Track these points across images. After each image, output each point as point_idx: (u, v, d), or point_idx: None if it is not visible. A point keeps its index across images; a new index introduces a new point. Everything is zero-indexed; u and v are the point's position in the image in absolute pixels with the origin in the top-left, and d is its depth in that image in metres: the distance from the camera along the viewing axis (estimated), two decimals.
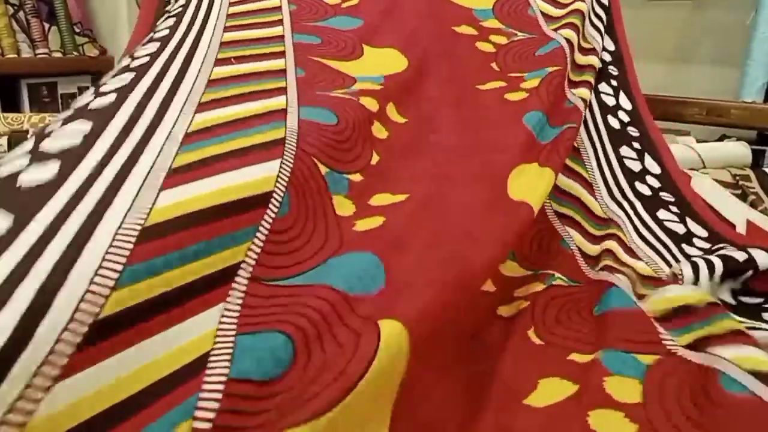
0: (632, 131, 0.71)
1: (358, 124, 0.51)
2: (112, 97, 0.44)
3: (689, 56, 1.34)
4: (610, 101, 0.74)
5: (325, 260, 0.39)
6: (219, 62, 0.54)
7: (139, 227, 0.32)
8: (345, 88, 0.56)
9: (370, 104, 0.54)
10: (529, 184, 0.52)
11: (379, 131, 0.54)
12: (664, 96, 0.99)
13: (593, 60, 0.74)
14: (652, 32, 1.31)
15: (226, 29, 0.62)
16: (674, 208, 0.63)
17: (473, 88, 0.66)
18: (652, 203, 0.63)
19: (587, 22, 0.79)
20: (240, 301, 0.35)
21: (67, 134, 0.39)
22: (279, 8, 0.70)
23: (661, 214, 0.62)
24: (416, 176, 0.51)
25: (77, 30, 1.79)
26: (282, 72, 0.55)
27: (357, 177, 0.48)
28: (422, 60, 0.66)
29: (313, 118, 0.47)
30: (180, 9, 0.65)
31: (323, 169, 0.45)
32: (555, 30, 0.75)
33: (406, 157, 0.53)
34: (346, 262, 0.39)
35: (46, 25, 1.73)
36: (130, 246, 0.31)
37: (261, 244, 0.37)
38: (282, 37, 0.62)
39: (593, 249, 0.57)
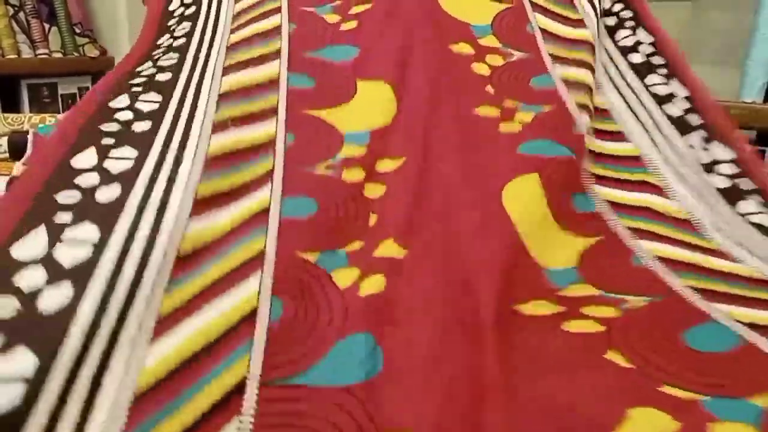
0: (693, 119, 0.68)
1: (344, 201, 0.52)
2: (117, 190, 0.46)
3: (689, 56, 1.34)
4: (663, 90, 0.72)
5: (331, 347, 0.40)
6: (217, 128, 0.55)
7: (131, 394, 0.34)
8: (331, 158, 0.56)
9: (355, 176, 0.55)
10: (528, 208, 0.52)
11: (372, 191, 0.54)
12: None
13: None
14: None
15: (225, 71, 0.63)
16: (755, 198, 0.59)
17: (469, 110, 0.66)
18: (731, 195, 0.59)
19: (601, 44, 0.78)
20: (254, 411, 0.36)
21: (77, 243, 0.41)
22: (279, 29, 0.71)
23: (742, 206, 0.58)
24: (415, 222, 0.51)
25: (77, 30, 1.79)
26: (271, 145, 0.56)
27: (355, 245, 0.48)
28: (415, 88, 0.66)
29: (294, 215, 0.49)
30: (184, 40, 0.66)
31: (312, 258, 0.46)
32: (553, 58, 0.74)
33: (407, 201, 0.54)
34: (349, 349, 0.40)
35: (47, 26, 1.73)
36: (125, 414, 0.33)
37: (261, 353, 0.38)
38: (277, 82, 0.63)
39: (680, 254, 0.52)
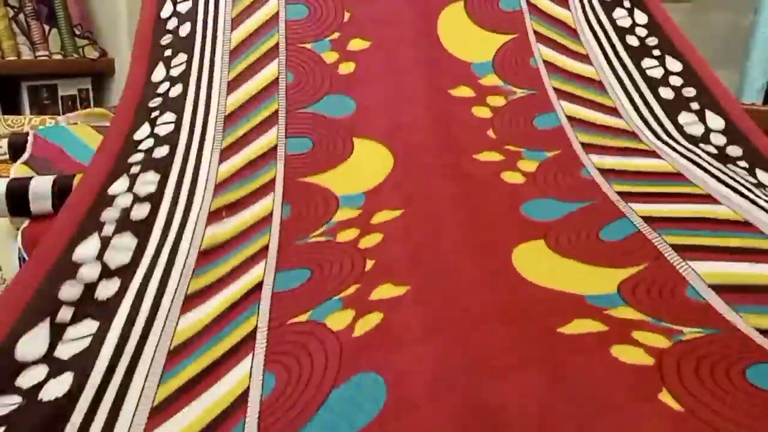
0: (733, 151, 0.65)
1: (338, 258, 0.51)
2: (115, 286, 0.48)
3: None
4: (698, 130, 0.69)
5: (327, 396, 0.38)
6: (211, 218, 0.55)
7: None
8: (325, 224, 0.56)
9: (350, 235, 0.54)
10: (543, 266, 0.49)
11: (368, 241, 0.53)
12: None
13: (619, 123, 0.70)
14: None
15: (222, 156, 0.62)
16: None
17: (469, 157, 0.64)
18: None
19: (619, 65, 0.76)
20: None
21: (77, 340, 0.43)
22: (276, 83, 0.70)
23: None
24: (415, 261, 0.50)
25: (77, 32, 1.79)
26: (267, 220, 0.56)
27: (350, 290, 0.47)
28: (413, 140, 0.65)
29: (286, 287, 0.48)
30: (175, 122, 0.65)
31: (305, 317, 0.45)
32: (558, 93, 0.72)
33: (405, 248, 0.52)
34: (348, 394, 0.38)
35: (46, 27, 1.73)
36: None
37: (255, 429, 0.38)
38: (275, 150, 0.63)
39: (739, 277, 0.46)
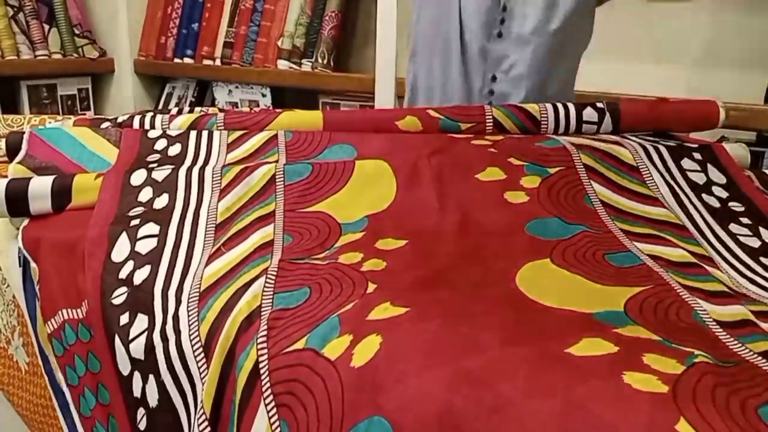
0: (735, 206, 0.65)
1: (339, 280, 0.51)
2: None
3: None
4: (700, 179, 0.67)
5: None
6: (211, 258, 0.55)
7: None
8: (328, 249, 0.55)
9: (353, 258, 0.54)
10: (548, 285, 0.49)
11: (371, 265, 0.53)
12: (663, 97, 0.98)
13: (623, 152, 0.68)
14: (651, 33, 1.30)
15: (222, 193, 0.62)
16: None
17: (471, 179, 0.64)
18: None
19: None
20: None
21: None
22: (275, 138, 0.71)
23: None
24: (416, 288, 0.49)
25: (77, 31, 1.79)
26: (269, 246, 0.56)
27: (348, 307, 0.47)
28: (414, 164, 0.65)
29: (284, 305, 0.48)
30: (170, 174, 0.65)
31: (301, 344, 0.44)
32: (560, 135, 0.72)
33: (407, 272, 0.52)
34: None
35: (46, 27, 1.73)
36: None
37: None
38: (273, 180, 0.63)
39: (734, 313, 0.47)
